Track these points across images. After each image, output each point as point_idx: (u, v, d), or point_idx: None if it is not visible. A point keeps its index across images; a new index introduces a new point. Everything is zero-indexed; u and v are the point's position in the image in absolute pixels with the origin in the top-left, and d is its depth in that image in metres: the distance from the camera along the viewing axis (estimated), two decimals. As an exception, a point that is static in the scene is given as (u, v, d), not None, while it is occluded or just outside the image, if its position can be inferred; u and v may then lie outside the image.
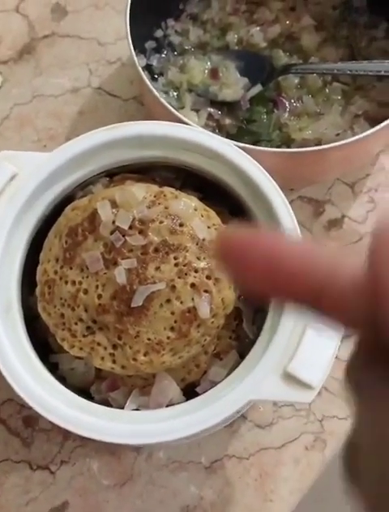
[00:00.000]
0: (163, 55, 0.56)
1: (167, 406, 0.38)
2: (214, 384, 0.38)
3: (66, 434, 0.46)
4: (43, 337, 0.42)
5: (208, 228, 0.39)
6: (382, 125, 0.43)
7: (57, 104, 0.57)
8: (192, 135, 0.42)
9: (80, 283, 0.38)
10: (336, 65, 0.50)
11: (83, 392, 0.40)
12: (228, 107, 0.54)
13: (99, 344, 0.38)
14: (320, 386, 0.35)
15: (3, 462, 0.46)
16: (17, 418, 0.47)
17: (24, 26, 0.61)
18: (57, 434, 0.46)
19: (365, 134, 0.43)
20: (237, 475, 0.45)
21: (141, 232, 0.38)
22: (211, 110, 0.54)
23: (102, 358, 0.38)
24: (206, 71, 0.55)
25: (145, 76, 0.47)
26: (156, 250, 0.37)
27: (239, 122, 0.54)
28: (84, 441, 0.46)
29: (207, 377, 0.40)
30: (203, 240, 0.38)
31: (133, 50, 0.47)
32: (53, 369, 0.41)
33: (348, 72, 0.48)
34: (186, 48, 0.57)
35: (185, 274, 0.37)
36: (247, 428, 0.46)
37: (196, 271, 0.37)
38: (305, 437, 0.46)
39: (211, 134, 0.43)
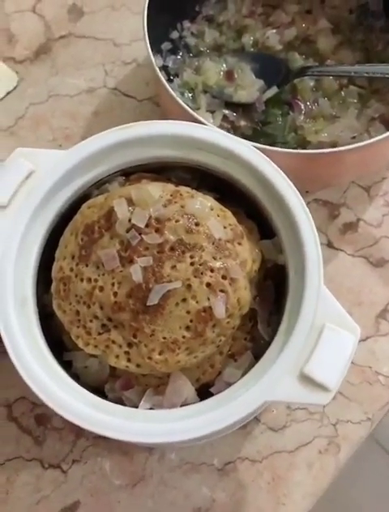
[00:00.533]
0: (178, 56, 0.57)
1: (181, 406, 0.38)
2: (228, 385, 0.38)
3: (79, 433, 0.46)
4: (57, 335, 0.42)
5: (224, 228, 0.39)
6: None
7: (73, 104, 0.57)
8: (208, 135, 0.42)
9: (96, 280, 0.38)
10: (353, 67, 0.50)
11: (97, 391, 0.40)
12: (244, 109, 0.54)
13: (114, 342, 0.38)
14: (337, 388, 0.35)
15: (15, 460, 0.46)
16: (29, 416, 0.47)
17: (41, 26, 0.61)
18: (69, 433, 0.46)
19: (380, 137, 0.43)
20: (250, 478, 0.45)
21: (157, 230, 0.38)
22: (226, 112, 0.54)
23: (117, 356, 0.38)
24: (221, 73, 0.55)
25: (162, 77, 0.47)
26: (172, 249, 0.37)
27: (254, 124, 0.54)
28: (96, 440, 0.46)
29: (221, 377, 0.40)
30: (219, 240, 0.38)
31: (150, 51, 0.48)
32: (66, 367, 0.40)
33: (365, 74, 0.48)
34: (202, 49, 0.57)
35: (201, 273, 0.37)
36: (260, 431, 0.46)
37: (212, 271, 0.37)
38: (319, 441, 0.46)
39: (227, 134, 0.43)
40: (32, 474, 0.45)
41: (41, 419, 0.47)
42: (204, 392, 0.39)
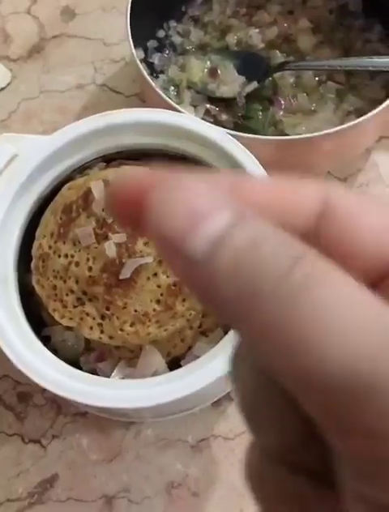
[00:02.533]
0: (164, 54, 0.59)
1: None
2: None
3: (58, 410, 0.48)
4: (37, 312, 0.44)
5: (196, 208, 0.41)
6: (369, 115, 0.45)
7: (63, 100, 0.60)
8: (187, 123, 0.44)
9: (72, 256, 0.40)
10: (328, 61, 0.52)
11: (73, 364, 0.41)
12: (226, 103, 0.56)
13: (88, 315, 0.39)
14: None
15: (-3, 436, 0.47)
16: (12, 393, 0.48)
17: (35, 27, 0.64)
18: (49, 410, 0.48)
19: (351, 123, 0.45)
20: (223, 454, 0.46)
21: (131, 209, 0.40)
22: (209, 106, 0.56)
23: (91, 328, 0.39)
24: (205, 70, 0.58)
25: (144, 70, 0.50)
26: (145, 226, 0.39)
27: (236, 118, 0.56)
28: (75, 417, 0.48)
29: (191, 352, 0.41)
30: (191, 219, 0.40)
31: (132, 46, 0.50)
32: (45, 342, 0.42)
33: (338, 68, 0.50)
34: (187, 48, 0.59)
35: (172, 249, 0.39)
36: (234, 410, 0.47)
37: (183, 248, 0.39)
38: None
39: (205, 122, 0.45)
40: (13, 448, 0.47)
41: (24, 396, 0.48)
42: (175, 366, 0.41)
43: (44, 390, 0.47)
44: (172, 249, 0.12)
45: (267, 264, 0.11)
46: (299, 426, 0.14)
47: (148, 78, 0.49)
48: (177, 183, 0.13)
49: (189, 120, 0.45)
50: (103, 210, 0.40)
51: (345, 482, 0.12)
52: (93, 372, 0.41)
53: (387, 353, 0.11)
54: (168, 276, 0.39)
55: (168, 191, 0.13)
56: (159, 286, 0.39)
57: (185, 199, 0.12)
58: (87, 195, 0.41)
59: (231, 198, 0.13)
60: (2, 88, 0.61)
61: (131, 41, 0.50)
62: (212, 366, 0.37)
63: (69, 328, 0.41)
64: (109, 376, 0.40)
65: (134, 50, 0.49)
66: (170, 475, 0.45)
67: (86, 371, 0.41)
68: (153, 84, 0.49)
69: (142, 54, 0.55)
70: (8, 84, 0.61)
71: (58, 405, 0.47)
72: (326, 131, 0.45)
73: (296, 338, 0.11)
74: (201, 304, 0.13)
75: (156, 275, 0.39)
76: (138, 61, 0.49)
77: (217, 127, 0.45)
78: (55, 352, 0.42)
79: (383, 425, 0.11)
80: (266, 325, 0.11)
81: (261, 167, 0.43)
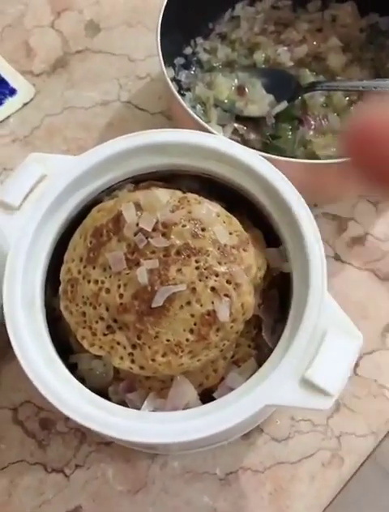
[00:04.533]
0: (191, 71, 0.58)
1: (183, 410, 0.38)
2: (231, 390, 0.38)
3: (82, 438, 0.46)
4: (64, 338, 0.43)
5: (230, 233, 0.40)
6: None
7: (87, 116, 0.59)
8: (217, 144, 0.43)
9: (102, 282, 0.39)
10: (361, 82, 0.51)
11: (101, 393, 0.40)
12: (254, 123, 0.55)
13: (118, 343, 0.38)
14: (338, 394, 0.35)
15: (18, 464, 0.46)
16: (34, 420, 0.47)
17: (58, 41, 0.63)
18: (73, 438, 0.46)
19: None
20: (252, 488, 0.45)
21: (164, 234, 0.38)
22: (237, 125, 0.55)
23: (121, 357, 0.38)
24: (232, 88, 0.56)
25: (174, 89, 0.49)
26: (178, 253, 0.38)
27: (264, 138, 0.55)
28: (99, 446, 0.46)
29: (224, 383, 0.40)
30: (225, 245, 0.39)
31: (163, 63, 0.49)
32: (72, 369, 0.41)
33: (373, 89, 0.49)
34: (214, 65, 0.59)
35: (206, 277, 0.38)
36: (263, 441, 0.46)
37: (217, 275, 0.38)
38: (322, 454, 0.46)
39: (236, 143, 0.44)
40: (35, 477, 0.45)
41: (46, 423, 0.47)
42: (207, 398, 0.39)
43: (67, 418, 0.45)
44: None
45: None
46: None
47: (178, 97, 0.48)
48: None
49: (219, 141, 0.43)
50: (135, 235, 0.39)
51: None
52: (122, 403, 0.39)
53: None
54: (201, 305, 0.37)
55: None
56: (192, 315, 0.37)
57: None
58: (118, 218, 0.40)
59: None
60: (25, 103, 0.60)
61: (162, 60, 0.48)
62: (247, 401, 0.36)
63: (97, 356, 0.40)
64: (138, 407, 0.39)
65: (164, 69, 0.48)
66: (198, 508, 0.44)
67: (114, 402, 0.39)
68: (183, 103, 0.48)
69: (170, 72, 0.54)
70: (31, 100, 0.60)
71: (82, 433, 0.46)
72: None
73: None
74: None
75: (189, 303, 0.37)
76: (169, 80, 0.48)
77: (248, 148, 0.44)
78: (82, 380, 0.41)
79: None
80: None
81: (294, 188, 0.42)
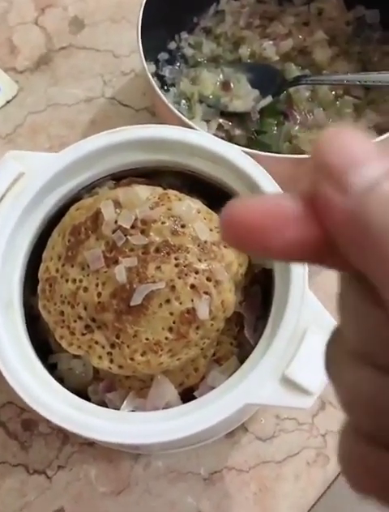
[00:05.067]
0: (176, 67, 0.57)
1: (163, 409, 0.37)
2: (212, 389, 0.38)
3: (65, 439, 0.46)
4: (43, 338, 0.42)
5: (210, 230, 0.39)
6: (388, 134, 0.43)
7: (71, 113, 0.58)
8: (198, 139, 0.42)
9: (81, 281, 0.38)
10: (346, 76, 0.50)
11: (81, 393, 0.39)
12: (239, 118, 0.55)
13: (97, 343, 0.37)
14: (319, 392, 0.34)
15: (0, 465, 0.45)
16: (16, 421, 0.46)
17: (42, 38, 0.62)
18: (55, 439, 0.46)
19: (374, 140, 0.43)
20: (236, 487, 0.44)
21: (143, 231, 0.38)
22: (222, 121, 0.54)
23: (100, 357, 0.37)
24: (218, 83, 0.56)
25: (156, 84, 0.48)
26: (157, 250, 0.37)
27: (249, 133, 0.54)
28: (82, 447, 0.46)
29: (205, 382, 0.39)
30: (205, 242, 0.38)
31: (143, 59, 0.48)
32: (51, 369, 0.40)
33: (358, 83, 0.48)
34: (199, 60, 0.58)
35: (186, 274, 0.37)
36: (248, 440, 0.45)
37: (196, 273, 0.37)
38: (307, 452, 0.45)
39: (217, 139, 0.43)
40: (17, 479, 0.45)
41: (28, 424, 0.46)
42: (188, 397, 0.39)
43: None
44: (330, 178, 0.14)
45: None
46: None
47: (160, 93, 0.47)
48: (343, 135, 0.15)
49: (201, 137, 0.43)
50: (113, 232, 0.38)
51: None
52: (102, 402, 0.39)
53: None
54: (181, 303, 0.37)
55: (335, 137, 0.15)
56: (171, 313, 0.37)
57: (348, 144, 0.14)
58: (97, 216, 0.39)
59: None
60: (8, 101, 0.59)
61: (143, 55, 0.48)
62: (228, 399, 0.35)
63: (76, 356, 0.39)
64: (118, 407, 0.38)
65: (145, 64, 0.47)
66: (181, 509, 0.43)
67: (94, 401, 0.39)
68: (165, 99, 0.47)
69: (153, 67, 0.54)
70: (14, 97, 0.59)
71: (64, 434, 0.45)
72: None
73: None
74: (335, 234, 0.14)
75: (168, 301, 0.37)
76: (150, 76, 0.47)
77: (231, 144, 0.43)
78: (61, 380, 0.40)
79: None
80: None
81: (276, 185, 0.41)
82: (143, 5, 0.49)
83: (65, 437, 0.45)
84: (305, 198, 0.15)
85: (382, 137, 0.43)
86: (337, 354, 0.17)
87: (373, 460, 0.14)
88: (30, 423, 0.46)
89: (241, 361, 0.39)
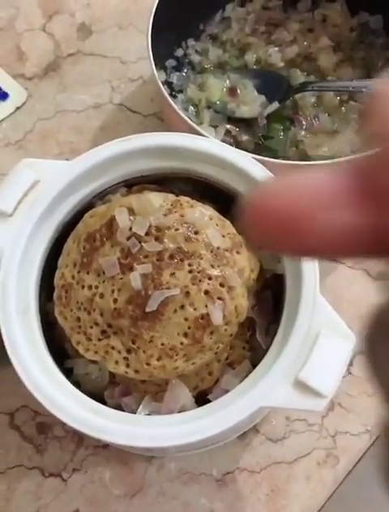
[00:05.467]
0: (183, 73, 0.58)
1: (179, 412, 0.38)
2: (226, 392, 0.38)
3: (79, 442, 0.46)
4: (59, 343, 0.43)
5: (223, 236, 0.40)
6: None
7: (79, 119, 0.59)
8: (208, 146, 0.43)
9: (96, 287, 0.39)
10: (351, 82, 0.51)
11: (97, 398, 0.40)
12: (246, 124, 0.55)
13: (113, 348, 0.38)
14: (331, 395, 0.35)
15: (16, 468, 0.46)
16: (31, 425, 0.47)
17: (50, 44, 0.63)
18: (70, 442, 0.46)
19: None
20: (248, 488, 0.45)
21: (157, 238, 0.39)
22: (229, 126, 0.55)
23: (116, 362, 0.38)
24: (224, 89, 0.57)
25: (165, 91, 0.49)
26: (171, 257, 0.38)
27: (256, 139, 0.55)
28: (96, 449, 0.46)
29: (219, 385, 0.40)
30: (218, 248, 0.39)
31: (154, 66, 0.49)
32: (68, 374, 0.41)
33: (363, 89, 0.49)
34: (206, 66, 0.59)
35: (200, 281, 0.38)
36: (259, 442, 0.46)
37: (210, 279, 0.38)
38: (318, 453, 0.46)
39: (228, 146, 0.44)
40: (33, 482, 0.46)
41: (43, 427, 0.47)
42: (202, 400, 0.40)
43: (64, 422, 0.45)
44: None
45: None
46: None
47: (169, 99, 0.48)
48: None
49: (211, 144, 0.43)
50: (128, 239, 0.39)
51: None
52: (118, 407, 0.39)
53: None
54: (195, 309, 0.37)
55: None
56: (186, 319, 0.37)
57: None
58: (111, 223, 0.40)
59: None
60: (18, 107, 0.60)
61: (153, 62, 0.49)
62: (242, 403, 0.36)
63: (93, 361, 0.40)
64: (134, 411, 0.39)
65: (155, 71, 0.48)
66: (195, 510, 0.44)
67: (110, 406, 0.39)
68: (174, 105, 0.48)
69: (161, 74, 0.55)
70: (23, 103, 0.60)
71: (79, 437, 0.46)
72: (354, 156, 0.43)
73: None
74: None
75: (183, 307, 0.37)
76: (160, 83, 0.48)
77: (241, 151, 0.44)
78: (78, 385, 0.41)
79: None
80: None
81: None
82: (153, 12, 0.50)
83: (79, 439, 0.46)
84: (355, 173, 0.11)
85: None
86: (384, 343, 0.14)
87: None
88: (44, 426, 0.47)
89: (254, 365, 0.40)
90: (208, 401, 0.39)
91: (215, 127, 0.55)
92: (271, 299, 0.42)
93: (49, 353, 0.40)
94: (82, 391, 0.39)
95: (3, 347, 0.38)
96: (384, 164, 0.11)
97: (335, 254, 0.11)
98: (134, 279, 0.38)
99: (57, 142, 0.58)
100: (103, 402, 0.40)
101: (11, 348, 0.38)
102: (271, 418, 0.46)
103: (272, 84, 0.56)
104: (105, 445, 0.46)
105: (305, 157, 0.53)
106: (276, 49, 0.58)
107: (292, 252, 0.11)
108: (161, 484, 0.45)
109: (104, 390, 0.41)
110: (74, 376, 0.41)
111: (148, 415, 0.39)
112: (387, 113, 0.11)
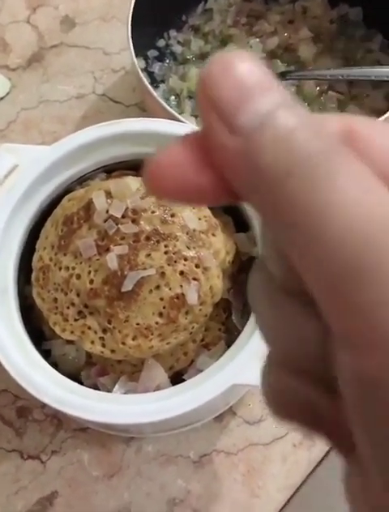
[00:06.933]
0: (165, 64, 0.59)
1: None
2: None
3: (58, 425, 0.47)
4: (37, 326, 0.43)
5: (199, 219, 0.40)
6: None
7: (62, 109, 0.59)
8: (186, 131, 0.43)
9: (73, 268, 0.39)
10: (330, 71, 0.52)
11: (74, 378, 0.40)
12: (227, 113, 0.56)
13: (89, 328, 0.39)
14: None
15: (-5, 451, 0.46)
16: (11, 408, 0.47)
17: (34, 36, 0.63)
18: (49, 425, 0.47)
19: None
20: (225, 470, 0.45)
21: (133, 220, 0.39)
22: (210, 116, 0.56)
23: (92, 342, 0.39)
24: (206, 79, 0.57)
25: (146, 80, 0.49)
26: (148, 238, 0.39)
27: (236, 128, 0.56)
28: (76, 432, 0.47)
29: (194, 366, 0.41)
30: (194, 230, 0.40)
31: (133, 53, 0.50)
32: (45, 356, 0.41)
33: (340, 77, 0.50)
34: (188, 57, 0.59)
35: (175, 261, 0.38)
36: (236, 424, 0.47)
37: (185, 260, 0.39)
38: (293, 435, 0.47)
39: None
40: (12, 464, 0.46)
41: (23, 411, 0.47)
42: (177, 381, 0.40)
43: (44, 405, 0.46)
44: (220, 115, 0.13)
45: (301, 148, 0.13)
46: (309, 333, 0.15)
47: (150, 88, 0.49)
48: (232, 62, 0.14)
49: (188, 128, 0.44)
50: (104, 221, 0.39)
51: (339, 367, 0.13)
52: (95, 387, 0.40)
53: None
54: (170, 289, 0.38)
55: (225, 66, 0.14)
56: (161, 299, 0.38)
57: (241, 74, 0.14)
58: (89, 206, 0.40)
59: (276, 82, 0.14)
60: (1, 98, 0.60)
61: (133, 51, 0.49)
62: (215, 380, 0.37)
63: (70, 342, 0.40)
64: (110, 391, 0.39)
65: (135, 60, 0.49)
66: (172, 491, 0.44)
67: (87, 386, 0.40)
68: (155, 94, 0.48)
69: (143, 64, 0.55)
70: (7, 94, 0.60)
71: (58, 420, 0.47)
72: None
73: (314, 209, 0.12)
74: (229, 175, 0.14)
75: (158, 287, 0.38)
76: (140, 72, 0.49)
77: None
78: (55, 366, 0.41)
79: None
80: (289, 197, 0.12)
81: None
82: (133, 3, 0.51)
83: (59, 423, 0.47)
84: (199, 138, 0.14)
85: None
86: (262, 287, 0.16)
87: (290, 388, 0.15)
88: (24, 410, 0.47)
89: (229, 346, 0.41)
90: (183, 381, 0.39)
91: (196, 117, 0.56)
92: (246, 281, 0.43)
93: (27, 335, 0.40)
94: (59, 372, 0.39)
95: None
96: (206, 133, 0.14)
97: (188, 201, 0.15)
98: (111, 260, 0.38)
99: (40, 131, 0.58)
100: (80, 382, 0.41)
101: (-11, 330, 0.39)
102: (247, 401, 0.47)
103: (253, 75, 0.56)
104: (84, 429, 0.46)
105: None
106: (257, 40, 0.59)
107: (172, 200, 0.15)
108: (139, 466, 0.45)
109: (81, 371, 0.41)
110: (52, 357, 0.42)
111: (124, 394, 0.39)
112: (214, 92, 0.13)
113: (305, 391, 0.15)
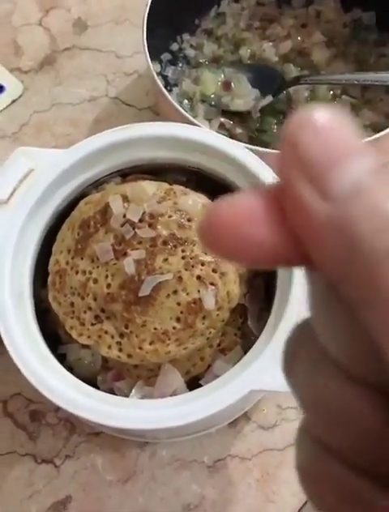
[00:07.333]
0: (178, 67, 0.59)
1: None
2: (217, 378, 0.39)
3: (72, 430, 0.47)
4: (53, 329, 0.43)
5: (216, 224, 0.40)
6: (386, 131, 0.44)
7: (75, 112, 0.59)
8: (203, 136, 0.44)
9: (90, 272, 0.39)
10: (344, 75, 0.52)
11: (90, 383, 0.40)
12: (240, 117, 0.56)
13: (106, 333, 0.39)
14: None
15: (9, 455, 0.46)
16: (24, 412, 0.47)
17: (46, 39, 0.63)
18: (62, 429, 0.47)
19: (370, 138, 0.44)
20: (240, 475, 0.45)
21: (150, 225, 0.39)
22: (223, 120, 0.56)
23: (109, 346, 0.39)
24: (219, 83, 0.57)
25: (160, 83, 0.49)
26: (165, 243, 0.39)
27: (250, 132, 0.56)
28: (89, 436, 0.47)
29: (211, 371, 0.40)
30: (211, 235, 0.39)
31: (149, 59, 0.50)
32: (61, 360, 0.41)
33: (355, 82, 0.50)
34: (201, 61, 0.59)
35: (192, 266, 0.38)
36: (251, 429, 0.46)
37: (203, 264, 0.38)
38: (309, 441, 0.46)
39: (222, 136, 0.44)
40: (25, 469, 0.46)
41: (36, 415, 0.47)
42: (194, 385, 0.40)
43: (57, 409, 0.46)
44: (309, 177, 0.12)
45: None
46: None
47: (165, 91, 0.48)
48: (322, 120, 0.12)
49: (206, 134, 0.44)
50: (122, 226, 0.39)
51: None
52: (111, 391, 0.40)
53: None
54: (187, 294, 0.38)
55: (314, 123, 0.12)
56: (178, 304, 0.38)
57: (331, 133, 0.12)
58: (105, 210, 0.40)
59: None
60: (14, 100, 0.60)
61: (148, 55, 0.49)
62: (233, 386, 0.36)
63: (85, 346, 0.40)
64: (127, 395, 0.39)
65: (151, 64, 0.49)
66: (186, 496, 0.44)
67: (103, 390, 0.40)
68: (170, 98, 0.48)
69: (157, 67, 0.55)
70: (20, 96, 0.60)
71: (72, 424, 0.47)
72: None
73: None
74: (309, 240, 0.12)
75: (175, 292, 0.38)
76: (155, 75, 0.49)
77: (235, 141, 0.44)
78: (71, 370, 0.41)
79: None
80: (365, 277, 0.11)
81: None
82: (148, 7, 0.51)
83: (72, 427, 0.47)
84: (272, 193, 0.13)
85: (378, 135, 0.44)
86: (309, 357, 0.15)
87: (332, 474, 0.13)
88: (38, 414, 0.47)
89: (245, 351, 0.40)
90: (200, 386, 0.39)
91: (209, 120, 0.56)
92: (262, 286, 0.43)
93: (43, 339, 0.40)
94: (75, 376, 0.39)
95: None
96: (286, 191, 0.13)
97: (256, 262, 0.13)
98: (128, 265, 0.38)
99: (53, 134, 0.58)
100: (96, 387, 0.40)
101: (5, 333, 0.39)
102: (262, 406, 0.47)
103: (266, 78, 0.56)
104: (98, 433, 0.46)
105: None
106: (270, 44, 0.59)
107: (228, 258, 0.13)
108: (153, 471, 0.45)
109: (97, 375, 0.41)
110: (68, 361, 0.42)
111: (141, 399, 0.39)
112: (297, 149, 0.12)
113: (354, 484, 0.13)
